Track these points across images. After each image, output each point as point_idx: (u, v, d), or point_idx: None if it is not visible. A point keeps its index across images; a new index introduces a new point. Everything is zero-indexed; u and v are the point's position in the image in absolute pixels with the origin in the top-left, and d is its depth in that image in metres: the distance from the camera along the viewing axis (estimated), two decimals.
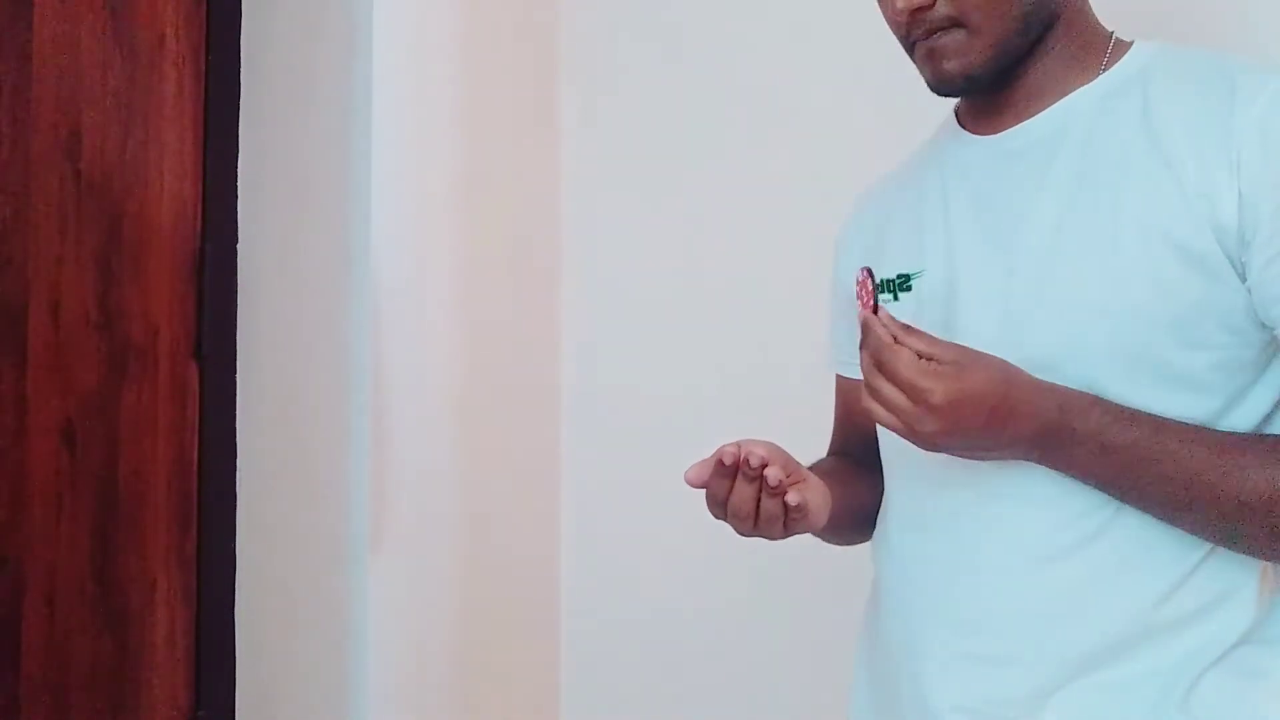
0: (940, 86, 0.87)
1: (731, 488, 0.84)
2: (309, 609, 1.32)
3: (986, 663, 0.82)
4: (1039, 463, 0.79)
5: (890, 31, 0.90)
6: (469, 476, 1.56)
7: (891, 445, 0.94)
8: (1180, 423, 0.77)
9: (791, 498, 0.83)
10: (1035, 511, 0.81)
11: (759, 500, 0.84)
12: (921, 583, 0.88)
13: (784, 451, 0.87)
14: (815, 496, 0.87)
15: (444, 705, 1.47)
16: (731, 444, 0.84)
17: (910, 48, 0.87)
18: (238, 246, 1.37)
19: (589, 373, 1.80)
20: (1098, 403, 0.77)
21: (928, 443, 0.77)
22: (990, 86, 0.87)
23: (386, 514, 1.35)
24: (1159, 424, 0.76)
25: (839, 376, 1.09)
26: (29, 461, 1.07)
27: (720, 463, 0.84)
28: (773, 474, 0.82)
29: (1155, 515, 0.78)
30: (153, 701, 1.23)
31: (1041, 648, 0.80)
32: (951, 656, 0.84)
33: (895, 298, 0.93)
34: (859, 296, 0.84)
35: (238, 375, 1.36)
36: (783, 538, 0.88)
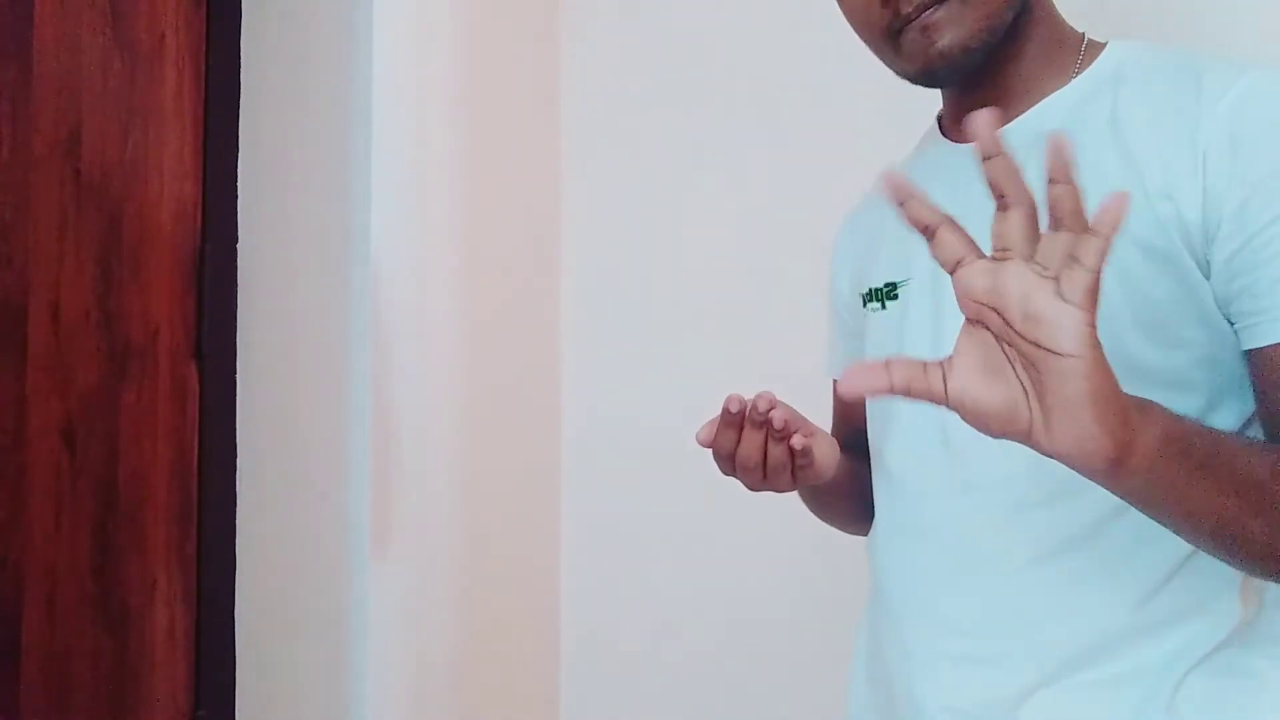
0: (930, 65, 0.84)
1: (739, 440, 0.85)
2: (309, 609, 1.33)
3: (972, 663, 0.83)
4: (1127, 460, 0.62)
5: (858, 33, 0.89)
6: (470, 476, 1.56)
7: (882, 450, 0.95)
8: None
9: (797, 441, 0.84)
10: (1020, 516, 0.81)
11: (766, 449, 0.85)
12: (910, 585, 0.89)
13: (790, 407, 0.88)
14: (822, 445, 0.89)
15: (444, 706, 1.47)
16: (737, 394, 0.85)
17: (897, 33, 0.84)
18: (238, 246, 1.37)
19: (589, 374, 1.81)
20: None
21: (1074, 369, 0.58)
22: (973, 74, 0.87)
23: (387, 514, 1.35)
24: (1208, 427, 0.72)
25: (836, 382, 1.10)
26: (29, 461, 1.07)
27: (727, 411, 0.84)
28: (777, 416, 0.82)
29: (1208, 531, 0.69)
30: (153, 701, 1.23)
31: (1026, 648, 0.81)
32: (939, 657, 0.85)
33: (883, 306, 0.94)
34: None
35: (238, 375, 1.36)
36: (791, 489, 0.89)
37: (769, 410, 0.83)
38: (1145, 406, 0.64)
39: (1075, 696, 0.79)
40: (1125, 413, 0.61)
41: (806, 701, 1.54)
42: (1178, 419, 0.66)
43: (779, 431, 0.83)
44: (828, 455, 0.90)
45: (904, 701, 0.87)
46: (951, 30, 0.83)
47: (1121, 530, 0.78)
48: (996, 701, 0.81)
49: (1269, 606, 0.79)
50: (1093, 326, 0.57)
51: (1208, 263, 0.76)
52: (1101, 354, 0.58)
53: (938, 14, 0.82)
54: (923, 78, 0.87)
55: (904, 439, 0.90)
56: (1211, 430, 0.70)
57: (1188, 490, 0.67)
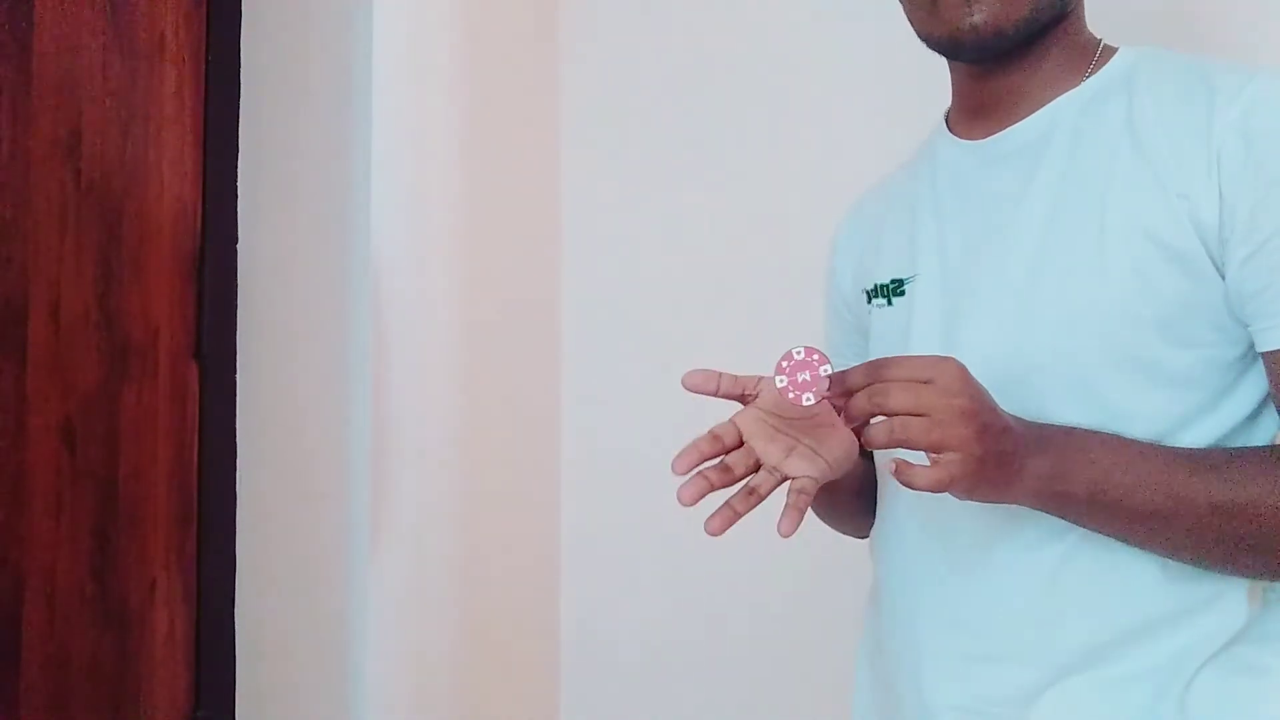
0: (959, 35, 0.84)
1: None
2: (309, 609, 1.32)
3: (980, 661, 0.83)
4: (1046, 484, 0.76)
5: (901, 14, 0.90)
6: (470, 476, 1.56)
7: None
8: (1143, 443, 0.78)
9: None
10: (1027, 511, 0.81)
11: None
12: (916, 583, 0.89)
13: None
14: (842, 443, 0.89)
15: (444, 706, 1.47)
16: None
17: None
18: (238, 246, 1.37)
19: (589, 374, 1.81)
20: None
21: (964, 448, 0.71)
22: (994, 62, 0.87)
23: (387, 514, 1.35)
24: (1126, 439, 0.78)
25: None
26: (29, 461, 1.07)
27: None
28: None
29: (1138, 532, 0.77)
30: (153, 701, 1.23)
31: (1034, 645, 0.81)
32: (946, 656, 0.85)
33: (889, 302, 0.94)
34: (801, 387, 0.74)
35: (238, 375, 1.36)
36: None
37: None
38: (1022, 466, 0.75)
39: (1087, 694, 0.79)
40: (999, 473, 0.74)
41: (808, 702, 1.54)
42: (1066, 466, 0.76)
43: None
44: (847, 452, 0.90)
45: (912, 701, 0.87)
46: (994, 8, 0.83)
47: None
48: (1006, 700, 0.81)
49: (1275, 604, 0.79)
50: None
51: (1223, 263, 0.76)
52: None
53: None
54: (946, 45, 0.87)
55: None
56: (1110, 464, 0.75)
57: (1084, 520, 0.78)
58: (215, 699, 1.31)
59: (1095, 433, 0.77)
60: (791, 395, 0.74)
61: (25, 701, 1.06)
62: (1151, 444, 0.77)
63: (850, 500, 1.02)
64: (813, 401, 0.74)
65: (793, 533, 0.76)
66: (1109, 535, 0.78)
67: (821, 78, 1.62)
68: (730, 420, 0.83)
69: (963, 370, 0.73)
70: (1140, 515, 0.75)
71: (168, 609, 1.26)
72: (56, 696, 1.10)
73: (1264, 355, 0.77)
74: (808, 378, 0.75)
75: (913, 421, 0.71)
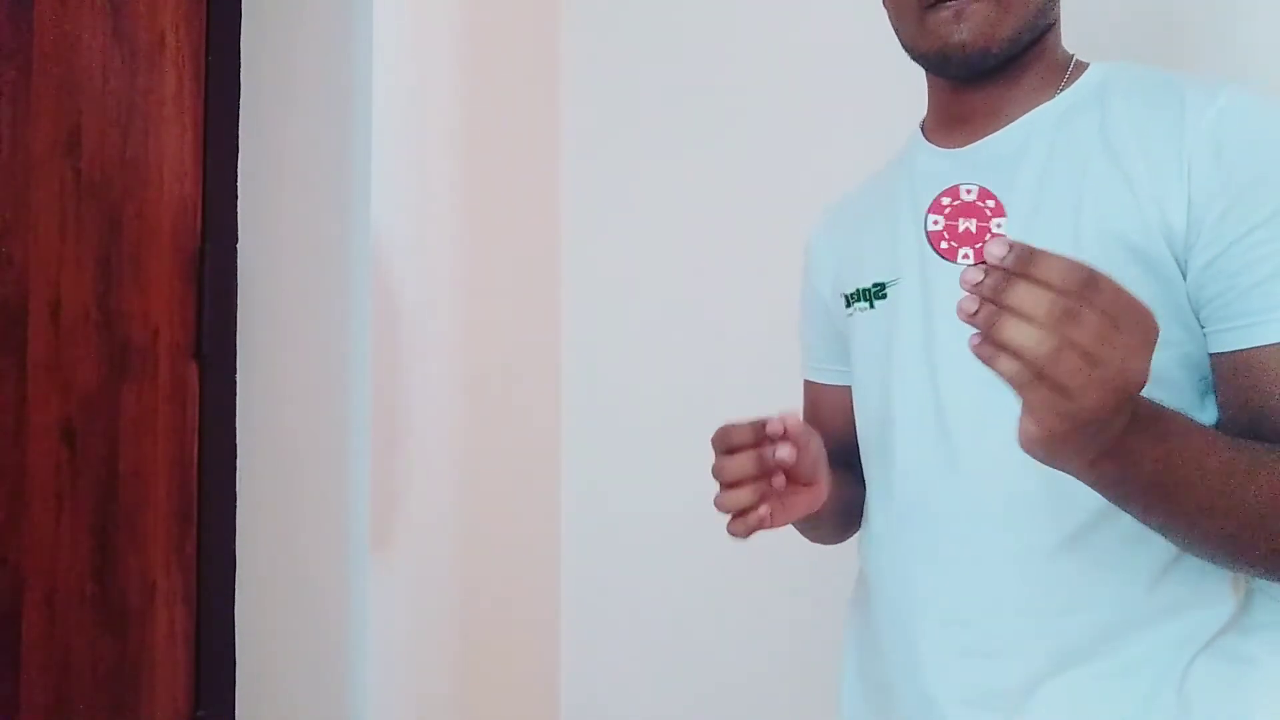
0: (947, 50, 0.86)
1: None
2: (309, 609, 1.32)
3: (979, 656, 0.84)
4: (1120, 467, 0.67)
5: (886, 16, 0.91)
6: (470, 476, 1.56)
7: (875, 440, 0.95)
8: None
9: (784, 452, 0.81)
10: (1023, 507, 0.82)
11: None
12: (909, 580, 0.90)
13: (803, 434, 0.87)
14: (821, 485, 0.89)
15: (444, 705, 1.47)
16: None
17: (928, 8, 0.85)
18: (238, 246, 1.37)
19: (588, 372, 1.81)
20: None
21: (1089, 408, 0.60)
22: (975, 77, 0.88)
23: (386, 514, 1.35)
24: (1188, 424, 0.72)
25: (807, 382, 1.12)
26: (29, 461, 1.07)
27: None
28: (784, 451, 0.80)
29: (1180, 525, 0.72)
30: (153, 701, 1.23)
31: (1033, 639, 0.82)
32: (945, 651, 0.86)
33: (871, 305, 0.95)
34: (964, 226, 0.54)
35: (238, 375, 1.36)
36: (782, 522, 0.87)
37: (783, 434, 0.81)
38: (1107, 445, 0.64)
39: (1088, 684, 0.80)
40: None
41: (806, 698, 1.54)
42: (1138, 449, 0.66)
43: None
44: (808, 507, 0.90)
45: (909, 696, 0.88)
46: (981, 26, 0.84)
47: (1122, 523, 0.79)
48: (1005, 692, 0.82)
49: (1258, 594, 0.81)
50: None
51: (1185, 264, 0.78)
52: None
53: (976, 5, 0.84)
54: (933, 60, 0.88)
55: (904, 435, 0.91)
56: (1177, 462, 0.68)
57: (1129, 503, 0.71)
58: (215, 699, 1.31)
59: (1176, 414, 0.69)
60: (944, 247, 0.55)
61: (25, 701, 1.06)
62: (1213, 433, 0.72)
63: (826, 527, 1.02)
64: (970, 263, 0.55)
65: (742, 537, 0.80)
66: (1150, 522, 0.72)
67: (820, 80, 1.62)
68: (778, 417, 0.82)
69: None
70: (1194, 511, 0.69)
71: (168, 609, 1.26)
72: (57, 696, 1.10)
73: (1213, 356, 0.79)
74: (972, 229, 0.56)
75: (1072, 359, 0.57)
